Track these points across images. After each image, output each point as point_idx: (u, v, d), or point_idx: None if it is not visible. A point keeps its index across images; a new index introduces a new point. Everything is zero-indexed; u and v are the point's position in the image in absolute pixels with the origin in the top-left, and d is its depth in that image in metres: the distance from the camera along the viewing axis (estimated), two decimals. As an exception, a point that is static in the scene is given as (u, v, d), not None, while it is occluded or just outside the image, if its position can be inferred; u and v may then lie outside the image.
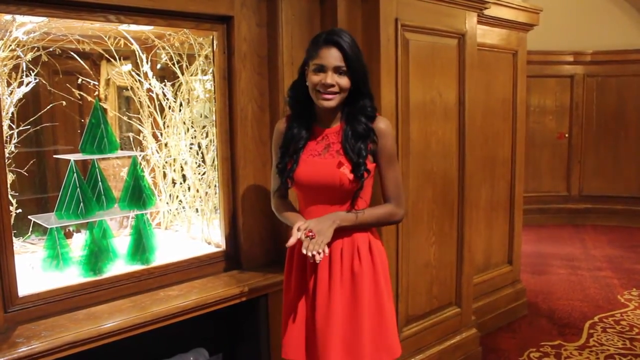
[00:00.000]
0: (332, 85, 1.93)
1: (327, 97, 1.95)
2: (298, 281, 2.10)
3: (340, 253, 2.02)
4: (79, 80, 2.89)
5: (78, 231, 2.86)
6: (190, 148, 2.99)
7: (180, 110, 2.98)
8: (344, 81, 1.95)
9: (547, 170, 7.74)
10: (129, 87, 2.99)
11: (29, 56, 2.53)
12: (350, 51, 1.93)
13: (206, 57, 2.82)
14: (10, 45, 2.43)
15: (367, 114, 2.01)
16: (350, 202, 2.02)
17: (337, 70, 1.93)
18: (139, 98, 2.98)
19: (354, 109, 2.02)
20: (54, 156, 2.90)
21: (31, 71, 2.55)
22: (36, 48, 2.54)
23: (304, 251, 1.85)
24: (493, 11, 3.60)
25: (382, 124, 2.04)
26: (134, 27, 2.63)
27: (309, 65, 1.99)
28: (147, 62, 2.86)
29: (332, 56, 1.93)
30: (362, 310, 2.00)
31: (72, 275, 2.40)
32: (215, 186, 2.85)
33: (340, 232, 2.00)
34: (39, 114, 2.72)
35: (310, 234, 1.89)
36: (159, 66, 3.09)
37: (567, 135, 7.70)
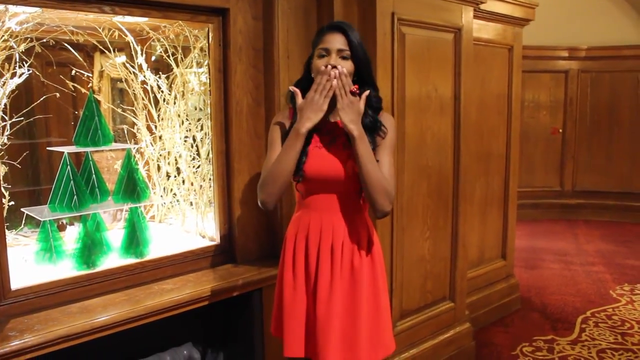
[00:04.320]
0: (335, 67, 1.91)
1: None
2: (301, 275, 2.06)
3: (341, 247, 2.00)
4: (73, 72, 2.87)
5: (71, 224, 2.85)
6: (185, 141, 2.98)
7: (174, 103, 2.96)
8: (347, 65, 1.94)
9: (541, 166, 7.76)
10: (123, 79, 2.96)
11: (22, 47, 2.50)
12: (353, 37, 1.95)
13: (201, 49, 2.80)
14: (3, 36, 2.40)
15: (373, 106, 2.01)
16: (358, 192, 2.00)
17: (340, 53, 1.94)
18: (134, 90, 2.96)
19: None
20: (47, 148, 2.89)
21: (24, 62, 2.53)
22: (29, 39, 2.52)
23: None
24: (489, 6, 3.60)
25: (388, 122, 2.04)
26: (128, 19, 2.61)
27: (314, 55, 1.99)
28: (141, 54, 2.84)
29: (336, 40, 1.95)
30: (360, 305, 1.99)
31: (66, 269, 2.39)
32: (209, 179, 2.84)
33: (344, 223, 2.00)
34: (32, 105, 2.70)
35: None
36: (153, 58, 3.07)
37: (560, 130, 7.72)
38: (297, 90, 1.92)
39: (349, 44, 1.95)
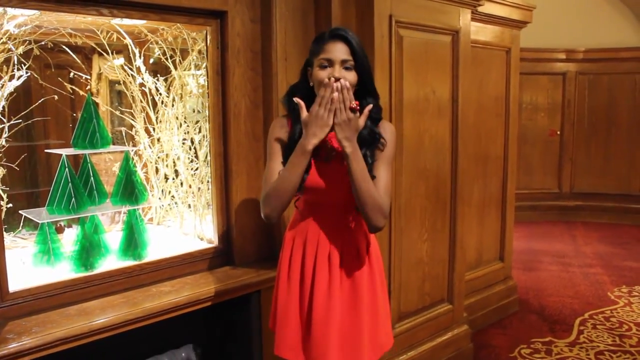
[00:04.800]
0: (338, 80, 1.82)
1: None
2: (295, 279, 2.04)
3: (340, 257, 1.98)
4: (71, 74, 2.87)
5: (69, 226, 2.85)
6: (183, 143, 2.98)
7: (173, 106, 2.96)
8: (351, 76, 1.87)
9: (539, 167, 7.77)
10: (121, 82, 2.97)
11: (21, 49, 2.50)
12: (356, 45, 1.87)
13: (199, 52, 2.81)
14: (2, 38, 2.40)
15: (372, 117, 1.92)
16: (355, 209, 1.95)
17: (344, 64, 1.86)
18: (132, 93, 2.96)
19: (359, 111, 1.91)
20: (46, 150, 2.89)
21: (23, 64, 2.53)
22: (28, 41, 2.52)
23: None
24: (487, 8, 3.60)
25: (388, 133, 1.97)
26: (126, 21, 2.62)
27: (313, 63, 1.91)
28: (140, 57, 2.84)
29: (339, 50, 1.86)
30: (361, 309, 1.98)
31: (64, 271, 2.39)
32: (208, 182, 2.84)
33: (342, 233, 1.99)
34: (31, 107, 2.71)
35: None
36: (151, 60, 3.08)
37: (558, 132, 7.73)
38: (302, 103, 1.82)
39: (352, 54, 1.87)
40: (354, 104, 1.79)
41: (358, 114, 1.79)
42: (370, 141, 1.92)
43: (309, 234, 2.01)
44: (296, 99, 1.84)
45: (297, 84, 2.03)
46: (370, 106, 1.83)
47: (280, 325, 2.06)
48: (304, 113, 1.81)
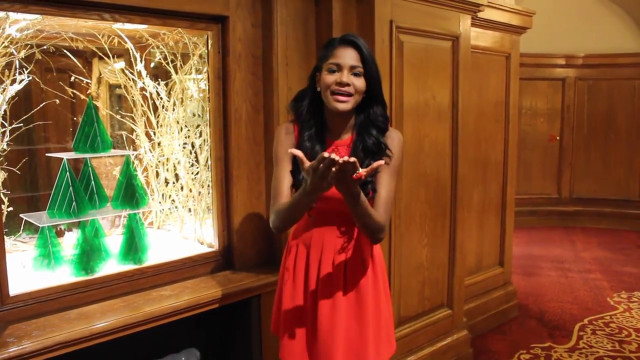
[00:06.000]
0: (348, 85, 1.83)
1: (341, 99, 1.84)
2: (300, 286, 2.03)
3: (345, 263, 1.97)
4: (72, 78, 2.88)
5: (70, 230, 2.85)
6: (184, 147, 2.99)
7: (173, 110, 2.97)
8: (360, 82, 1.86)
9: (538, 173, 7.78)
10: (122, 86, 2.97)
11: (22, 53, 2.51)
12: (367, 53, 1.86)
13: (200, 56, 2.81)
14: (3, 43, 2.41)
15: (378, 126, 1.92)
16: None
17: (352, 70, 1.85)
18: (132, 97, 2.97)
19: (365, 119, 1.91)
20: (47, 154, 2.89)
21: (24, 69, 2.54)
22: (29, 45, 2.52)
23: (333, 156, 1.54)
24: (486, 14, 3.61)
25: (395, 142, 1.95)
26: (128, 26, 2.62)
27: (322, 68, 1.89)
28: (141, 61, 2.85)
29: (349, 55, 1.85)
30: (366, 317, 1.97)
31: (64, 275, 2.39)
32: (208, 186, 2.84)
33: (346, 240, 1.98)
34: (32, 112, 2.71)
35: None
36: (152, 65, 3.08)
37: (558, 137, 7.75)
38: (301, 156, 1.64)
39: (362, 61, 1.86)
40: (357, 175, 1.59)
41: (359, 180, 1.62)
42: (375, 152, 1.89)
43: (313, 240, 2.00)
44: (294, 151, 1.65)
45: (304, 89, 2.02)
46: (381, 163, 1.65)
47: (285, 331, 2.04)
48: (306, 164, 1.62)
